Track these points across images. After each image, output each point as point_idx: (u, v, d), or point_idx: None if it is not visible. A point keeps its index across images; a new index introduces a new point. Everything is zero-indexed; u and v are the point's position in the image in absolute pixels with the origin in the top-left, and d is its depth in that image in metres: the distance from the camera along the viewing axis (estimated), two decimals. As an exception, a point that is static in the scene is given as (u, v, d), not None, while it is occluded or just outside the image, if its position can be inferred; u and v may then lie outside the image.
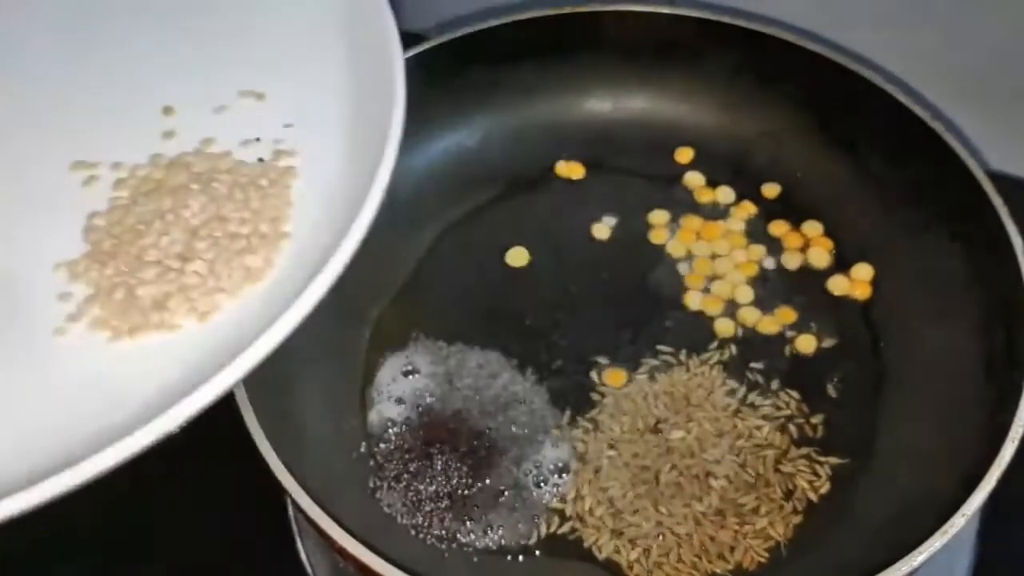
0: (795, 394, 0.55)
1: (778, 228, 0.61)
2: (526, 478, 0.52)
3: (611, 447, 0.53)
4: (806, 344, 0.56)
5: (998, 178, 0.54)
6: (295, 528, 0.55)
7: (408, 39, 0.68)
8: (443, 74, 0.62)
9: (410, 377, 0.56)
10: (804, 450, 0.53)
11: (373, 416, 0.55)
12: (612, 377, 0.55)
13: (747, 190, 0.63)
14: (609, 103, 0.66)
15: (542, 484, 0.52)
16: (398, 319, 0.58)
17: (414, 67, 0.60)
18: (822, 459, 0.52)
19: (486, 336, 0.57)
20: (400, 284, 0.60)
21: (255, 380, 0.48)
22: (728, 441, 0.53)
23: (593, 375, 0.56)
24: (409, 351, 0.57)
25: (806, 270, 0.60)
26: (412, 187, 0.63)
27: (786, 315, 0.57)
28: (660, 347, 0.57)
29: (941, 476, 0.48)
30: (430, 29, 0.74)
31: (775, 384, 0.55)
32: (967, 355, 0.52)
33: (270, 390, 0.50)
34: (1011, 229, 0.51)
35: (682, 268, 0.60)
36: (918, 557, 0.43)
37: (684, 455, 0.52)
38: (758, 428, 0.53)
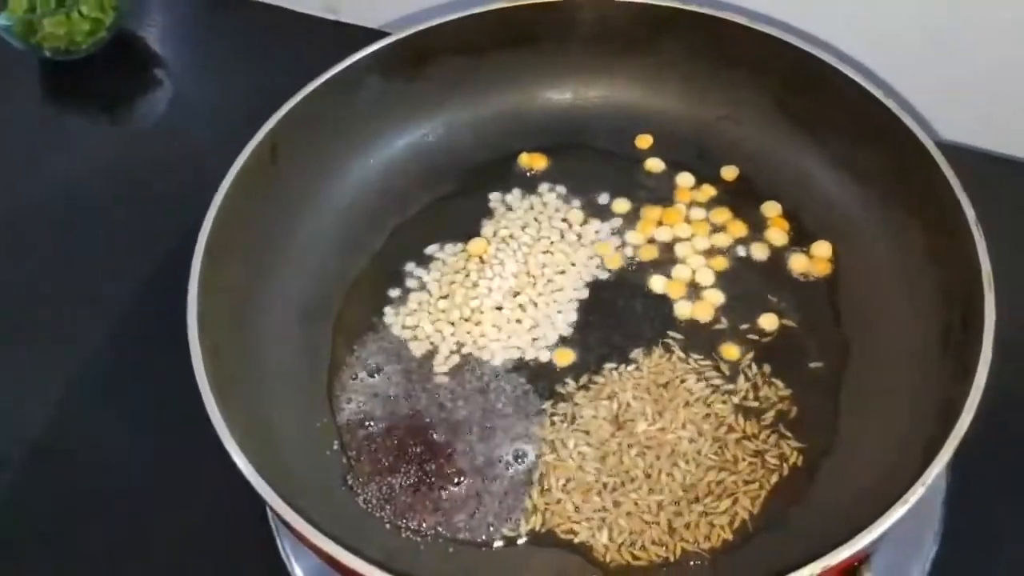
0: (759, 373, 0.55)
1: (720, 216, 0.62)
2: (498, 468, 0.53)
3: (582, 435, 0.54)
4: (769, 322, 0.57)
5: (949, 148, 0.55)
6: (274, 526, 0.56)
7: (367, 35, 0.68)
8: (404, 69, 0.63)
9: (376, 373, 0.57)
10: (769, 429, 0.54)
11: (342, 413, 0.55)
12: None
13: (707, 173, 0.63)
14: (569, 93, 0.67)
15: (515, 473, 0.53)
16: (359, 314, 0.59)
17: (374, 63, 0.62)
18: (788, 436, 0.53)
19: (453, 327, 0.58)
20: (356, 275, 0.61)
21: (222, 384, 0.49)
22: (694, 424, 0.54)
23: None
24: (373, 345, 0.58)
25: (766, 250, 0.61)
26: (375, 183, 0.64)
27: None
28: (628, 334, 0.57)
29: (903, 449, 0.49)
30: (391, 24, 0.75)
31: (740, 365, 0.56)
32: (926, 328, 0.53)
33: (238, 394, 0.51)
34: (965, 202, 0.52)
35: (645, 254, 0.61)
36: (880, 527, 0.44)
37: (652, 439, 0.53)
38: (723, 409, 0.54)
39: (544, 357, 0.57)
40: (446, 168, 0.65)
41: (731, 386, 0.55)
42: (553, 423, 0.54)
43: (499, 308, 0.59)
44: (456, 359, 0.57)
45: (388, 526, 0.51)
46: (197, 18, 0.84)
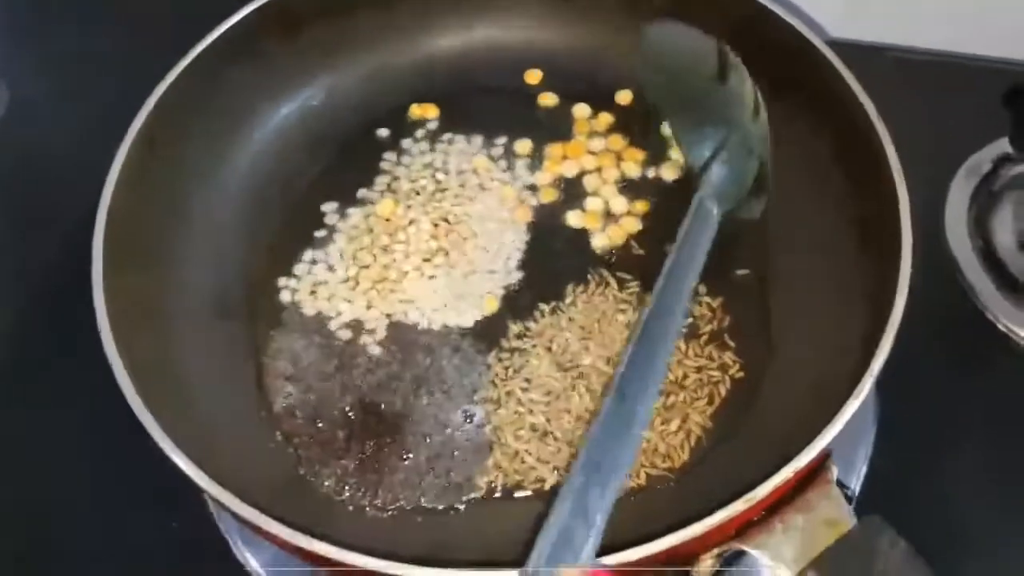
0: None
1: (621, 142, 0.62)
2: (452, 431, 0.52)
3: (528, 384, 0.53)
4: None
5: (841, 46, 0.56)
6: (222, 524, 0.54)
7: (215, 3, 0.65)
8: (274, 36, 0.60)
9: (302, 356, 0.54)
10: (708, 344, 0.54)
11: (277, 403, 0.53)
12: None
13: (602, 101, 0.63)
14: (449, 38, 0.65)
15: (469, 434, 0.52)
16: (270, 298, 0.57)
17: (242, 33, 0.58)
18: (728, 347, 0.54)
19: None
20: (260, 257, 0.58)
21: (153, 398, 0.46)
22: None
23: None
24: (293, 331, 0.55)
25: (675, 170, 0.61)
26: (263, 158, 0.61)
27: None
28: (556, 273, 0.57)
29: (839, 344, 0.50)
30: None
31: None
32: (841, 226, 0.54)
33: (170, 404, 0.48)
34: (863, 97, 0.53)
35: (555, 192, 0.60)
36: (838, 423, 0.45)
37: (598, 376, 0.53)
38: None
39: (475, 313, 0.55)
40: (336, 131, 0.62)
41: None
42: (498, 377, 0.53)
43: (418, 270, 0.57)
44: (383, 330, 0.55)
45: (351, 508, 0.50)
46: (21, 8, 0.78)
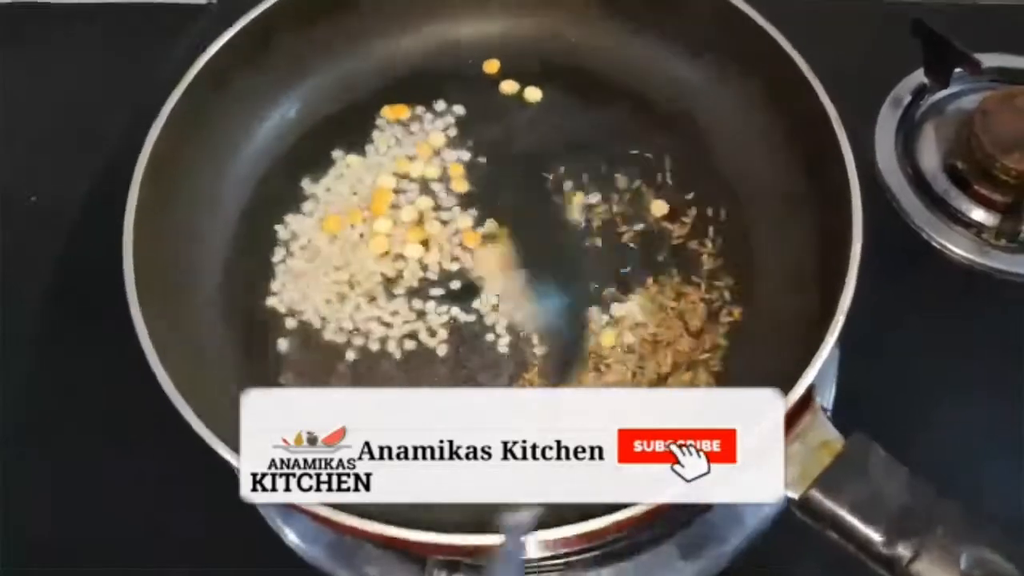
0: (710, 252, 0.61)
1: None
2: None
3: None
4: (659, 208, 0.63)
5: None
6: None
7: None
8: (252, 56, 0.63)
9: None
10: (703, 285, 0.60)
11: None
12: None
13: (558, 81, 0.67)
14: (405, 39, 0.68)
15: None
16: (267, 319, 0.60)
17: (227, 59, 0.61)
18: (720, 282, 0.60)
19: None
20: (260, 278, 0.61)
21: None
22: (655, 313, 0.60)
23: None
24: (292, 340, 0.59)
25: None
26: (248, 179, 0.64)
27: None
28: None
29: (804, 285, 0.56)
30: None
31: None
32: (790, 167, 0.60)
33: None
34: (786, 45, 0.58)
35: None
36: (819, 360, 0.50)
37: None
38: (664, 291, 0.60)
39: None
40: (312, 140, 0.65)
41: (662, 275, 0.61)
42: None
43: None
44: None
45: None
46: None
